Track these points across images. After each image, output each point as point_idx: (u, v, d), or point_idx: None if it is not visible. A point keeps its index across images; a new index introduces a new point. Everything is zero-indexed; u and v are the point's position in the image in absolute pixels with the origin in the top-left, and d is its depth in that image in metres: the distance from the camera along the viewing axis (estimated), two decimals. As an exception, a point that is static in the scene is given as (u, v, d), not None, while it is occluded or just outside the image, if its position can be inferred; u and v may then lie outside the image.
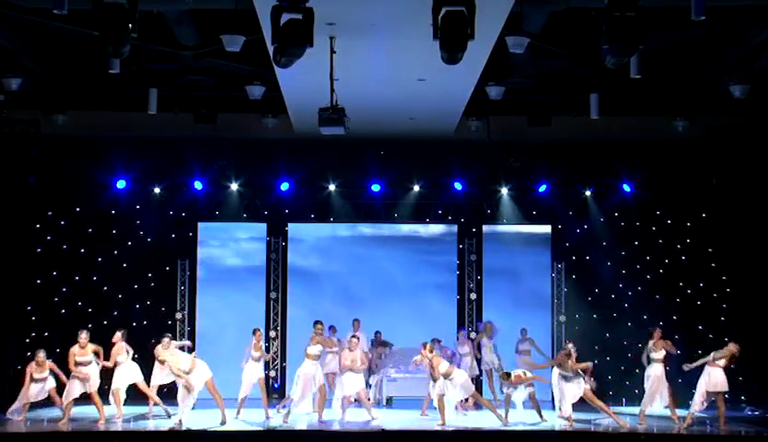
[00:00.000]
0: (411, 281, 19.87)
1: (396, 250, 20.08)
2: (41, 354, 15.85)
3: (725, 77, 16.05)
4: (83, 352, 15.47)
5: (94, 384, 15.51)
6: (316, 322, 15.71)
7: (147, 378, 16.43)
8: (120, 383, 16.01)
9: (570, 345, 15.62)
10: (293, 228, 20.06)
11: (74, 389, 15.38)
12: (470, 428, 15.27)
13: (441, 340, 17.42)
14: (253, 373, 16.08)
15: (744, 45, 14.89)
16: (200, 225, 19.87)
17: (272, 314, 19.66)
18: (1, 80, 15.53)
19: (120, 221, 19.48)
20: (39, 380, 15.80)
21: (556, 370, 15.61)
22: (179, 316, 19.31)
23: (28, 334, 18.83)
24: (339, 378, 16.16)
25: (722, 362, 15.19)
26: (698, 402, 15.21)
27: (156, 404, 16.39)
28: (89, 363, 15.52)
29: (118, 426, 15.15)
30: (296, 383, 15.42)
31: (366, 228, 20.23)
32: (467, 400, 16.67)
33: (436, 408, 15.50)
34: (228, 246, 20.10)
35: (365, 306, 19.18)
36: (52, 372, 15.87)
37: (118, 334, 16.24)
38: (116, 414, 15.77)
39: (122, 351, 16.09)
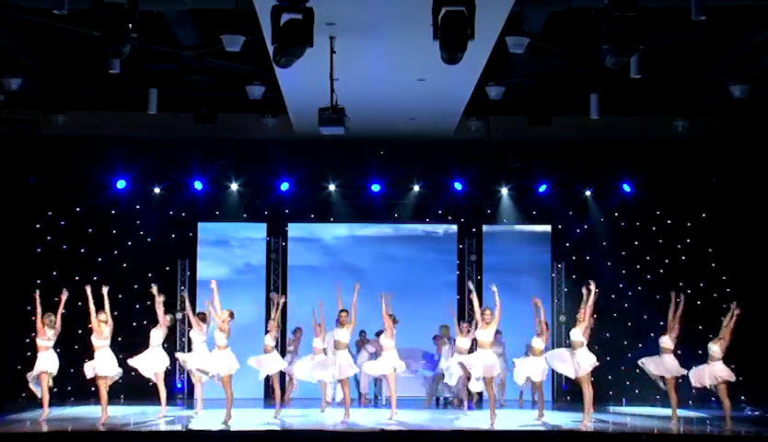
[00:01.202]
0: (410, 281, 19.83)
1: (395, 249, 20.08)
2: (51, 319, 15.56)
3: (725, 77, 16.05)
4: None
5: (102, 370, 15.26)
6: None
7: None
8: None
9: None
10: (300, 228, 20.04)
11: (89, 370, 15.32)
12: (470, 428, 15.27)
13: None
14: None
15: (744, 45, 14.89)
16: (200, 225, 19.88)
17: (272, 314, 19.61)
18: (1, 80, 15.52)
19: (120, 221, 19.48)
20: (42, 349, 15.50)
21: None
22: (179, 316, 19.29)
23: (28, 334, 18.81)
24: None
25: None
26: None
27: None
28: (103, 347, 15.25)
29: (118, 426, 15.13)
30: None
31: (364, 229, 20.22)
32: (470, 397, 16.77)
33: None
34: (228, 246, 20.09)
35: (364, 306, 19.11)
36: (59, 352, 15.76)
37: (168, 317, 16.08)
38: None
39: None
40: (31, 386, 15.68)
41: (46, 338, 15.53)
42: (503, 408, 17.30)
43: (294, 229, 20.14)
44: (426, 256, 20.10)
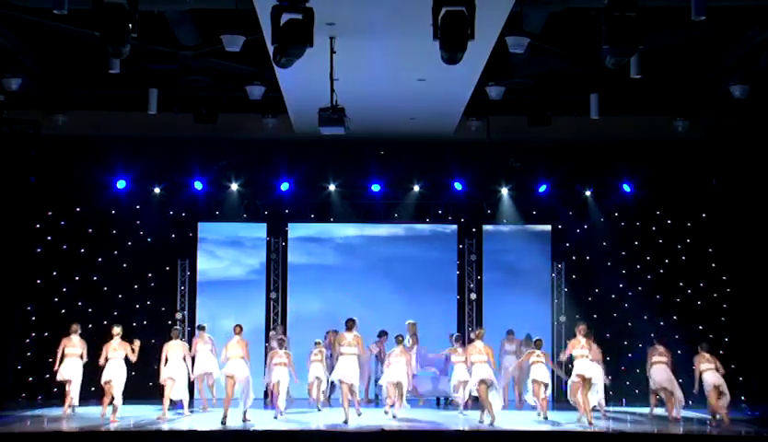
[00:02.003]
0: (410, 281, 19.83)
1: (395, 249, 20.07)
2: (75, 327, 16.13)
3: (725, 77, 16.05)
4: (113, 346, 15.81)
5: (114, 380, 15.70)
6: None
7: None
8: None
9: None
10: (301, 228, 20.06)
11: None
12: (470, 428, 15.27)
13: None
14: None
15: (744, 45, 14.88)
16: (200, 225, 19.88)
17: (272, 314, 19.66)
18: (1, 80, 15.52)
19: (120, 221, 19.47)
20: (70, 356, 15.97)
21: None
22: (179, 316, 19.30)
23: (28, 334, 18.84)
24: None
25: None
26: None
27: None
28: (119, 358, 15.74)
29: (118, 426, 15.15)
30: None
31: (363, 228, 20.20)
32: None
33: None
34: (228, 246, 20.09)
35: (364, 305, 19.13)
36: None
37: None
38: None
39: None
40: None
41: (71, 345, 16.06)
42: (519, 410, 17.50)
43: (295, 229, 20.12)
44: (433, 255, 20.09)
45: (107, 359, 15.72)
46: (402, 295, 19.67)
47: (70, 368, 15.95)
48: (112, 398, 15.56)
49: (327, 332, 17.93)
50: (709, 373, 15.80)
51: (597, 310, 19.69)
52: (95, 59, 15.39)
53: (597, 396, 15.95)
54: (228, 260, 20.06)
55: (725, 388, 15.72)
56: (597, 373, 15.79)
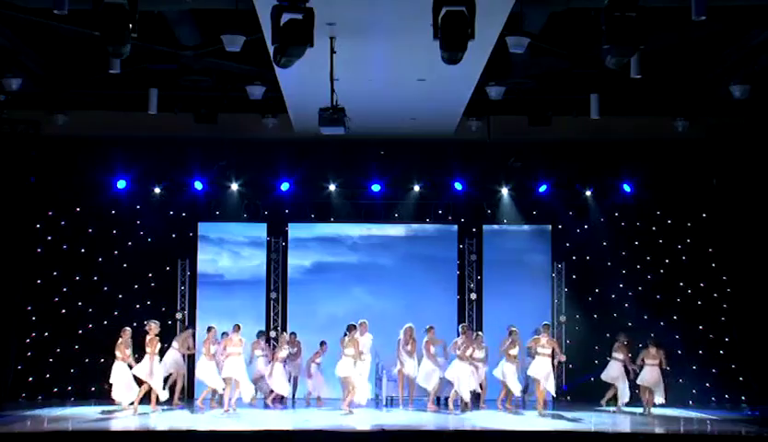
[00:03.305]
0: (411, 281, 19.81)
1: (395, 249, 20.06)
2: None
3: (725, 77, 16.05)
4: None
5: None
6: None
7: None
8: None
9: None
10: (301, 228, 20.09)
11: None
12: (470, 428, 15.28)
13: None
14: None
15: (744, 45, 14.89)
16: (200, 225, 19.87)
17: (272, 314, 19.65)
18: (1, 80, 15.52)
19: (120, 221, 19.46)
20: (232, 354, 16.65)
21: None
22: (179, 316, 19.29)
23: (28, 334, 18.83)
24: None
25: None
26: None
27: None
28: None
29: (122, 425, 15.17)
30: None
31: (364, 228, 20.19)
32: None
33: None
34: (228, 246, 20.07)
35: (364, 306, 19.13)
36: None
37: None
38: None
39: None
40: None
41: (233, 344, 16.75)
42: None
43: (295, 229, 20.10)
44: (426, 255, 20.07)
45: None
46: (401, 295, 19.65)
47: (233, 367, 16.48)
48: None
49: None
50: (647, 369, 16.97)
51: (597, 310, 19.70)
52: (95, 59, 15.40)
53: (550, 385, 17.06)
54: (228, 259, 20.04)
55: (661, 389, 16.97)
56: (543, 370, 16.80)
